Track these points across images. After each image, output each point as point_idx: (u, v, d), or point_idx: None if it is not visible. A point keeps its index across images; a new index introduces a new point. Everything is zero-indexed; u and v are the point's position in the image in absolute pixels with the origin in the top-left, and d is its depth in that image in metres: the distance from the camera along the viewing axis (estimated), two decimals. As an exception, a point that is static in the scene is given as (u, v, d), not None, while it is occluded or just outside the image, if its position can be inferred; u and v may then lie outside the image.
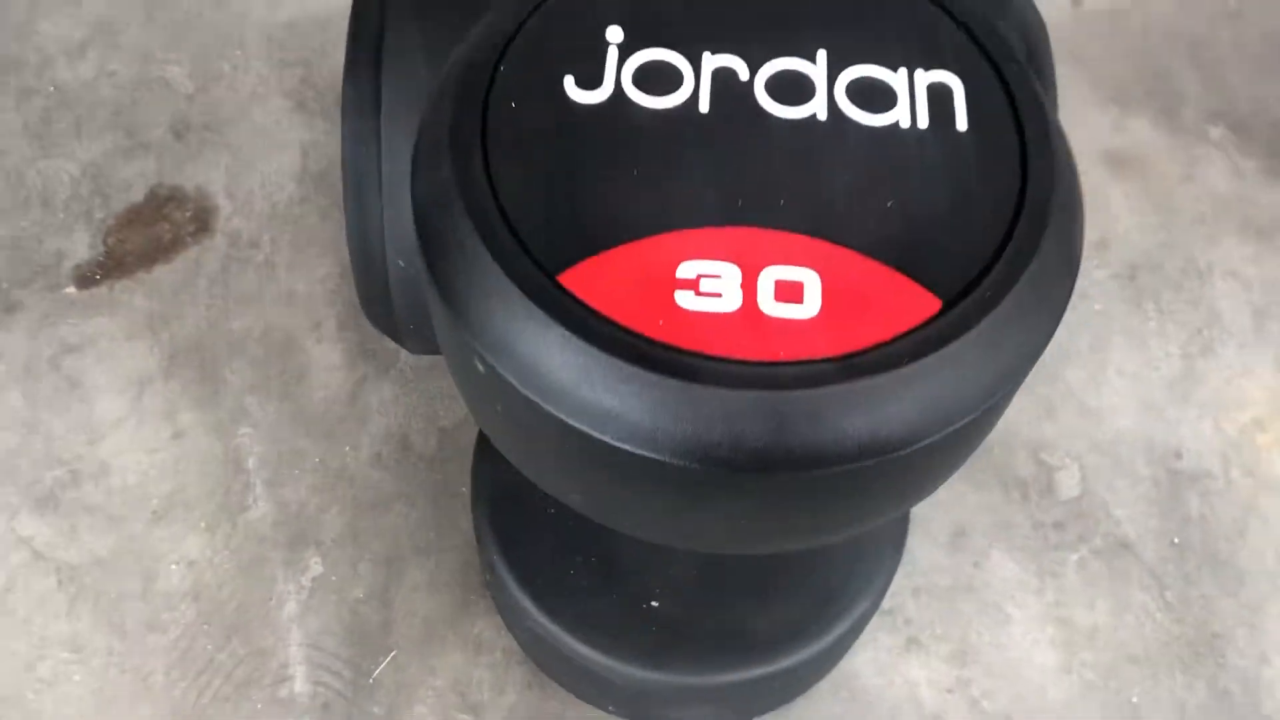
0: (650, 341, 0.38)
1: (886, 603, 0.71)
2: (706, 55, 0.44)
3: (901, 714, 0.69)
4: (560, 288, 0.38)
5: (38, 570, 0.71)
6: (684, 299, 0.38)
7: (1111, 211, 0.89)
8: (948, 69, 0.44)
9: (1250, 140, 0.94)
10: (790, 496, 0.41)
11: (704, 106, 0.43)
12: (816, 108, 0.43)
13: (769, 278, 0.39)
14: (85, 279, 0.81)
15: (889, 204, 0.41)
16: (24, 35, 0.94)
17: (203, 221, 0.85)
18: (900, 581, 0.72)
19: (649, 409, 0.37)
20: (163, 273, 0.82)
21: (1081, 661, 0.70)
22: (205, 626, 0.69)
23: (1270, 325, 0.84)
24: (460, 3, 0.51)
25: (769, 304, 0.39)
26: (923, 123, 0.43)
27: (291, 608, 0.70)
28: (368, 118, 0.58)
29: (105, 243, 0.83)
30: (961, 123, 0.43)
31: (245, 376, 0.78)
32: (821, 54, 0.44)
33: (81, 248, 0.83)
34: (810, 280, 0.39)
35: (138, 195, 0.86)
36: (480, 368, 0.40)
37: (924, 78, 0.44)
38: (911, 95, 0.44)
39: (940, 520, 0.75)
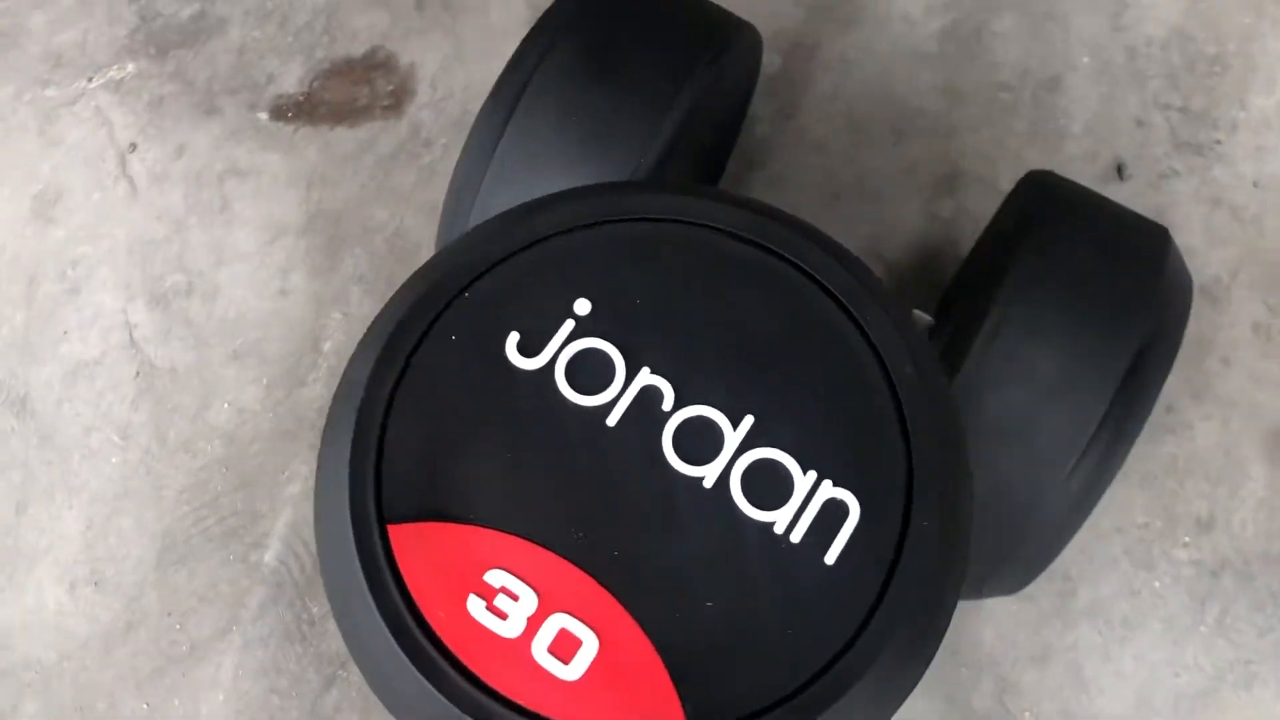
0: (433, 639, 0.41)
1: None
2: (645, 371, 0.44)
3: None
4: (384, 537, 0.42)
5: (126, 356, 0.82)
6: (475, 607, 0.41)
7: (1245, 490, 0.82)
8: (856, 490, 0.43)
9: None
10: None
11: (613, 420, 0.44)
12: (709, 473, 0.43)
13: (556, 624, 0.41)
14: (279, 111, 0.89)
15: (709, 604, 0.42)
16: None
17: (398, 100, 0.89)
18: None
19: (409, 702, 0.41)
20: (342, 134, 0.88)
21: None
22: (224, 470, 0.80)
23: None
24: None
25: (541, 648, 0.41)
26: (796, 537, 0.42)
27: (295, 488, 0.79)
28: (487, 145, 0.61)
29: (311, 84, 0.89)
30: (832, 555, 0.42)
31: (360, 265, 0.84)
32: (747, 420, 0.44)
33: (291, 80, 0.89)
34: (589, 645, 0.41)
35: (358, 49, 0.91)
36: None
37: (827, 491, 0.43)
38: (804, 503, 0.43)
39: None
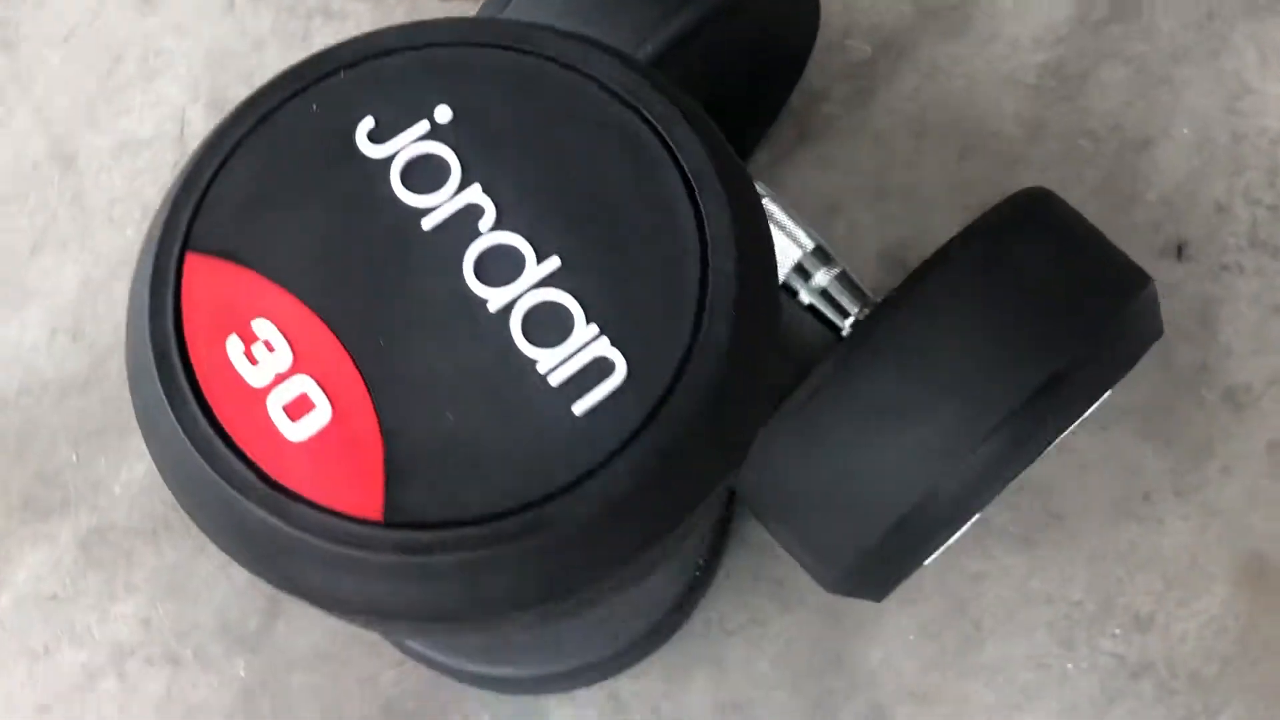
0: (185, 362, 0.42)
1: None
2: (476, 188, 0.44)
3: None
4: (180, 260, 0.43)
5: (172, 146, 0.87)
6: (233, 347, 0.42)
7: (1198, 603, 0.76)
8: (629, 356, 0.42)
9: None
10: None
11: (428, 223, 0.44)
12: (497, 298, 0.43)
13: (299, 385, 0.42)
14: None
15: (449, 415, 0.42)
16: None
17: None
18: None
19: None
20: (431, 3, 0.92)
21: None
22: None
23: None
24: None
25: (278, 403, 0.42)
26: (555, 381, 0.42)
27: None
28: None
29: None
30: (581, 407, 0.42)
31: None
32: (553, 260, 0.43)
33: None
34: (321, 414, 0.42)
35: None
36: None
37: (602, 348, 0.42)
38: (574, 353, 0.42)
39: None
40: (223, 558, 0.76)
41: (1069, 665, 0.75)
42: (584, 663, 0.66)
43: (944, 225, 0.82)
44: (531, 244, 0.44)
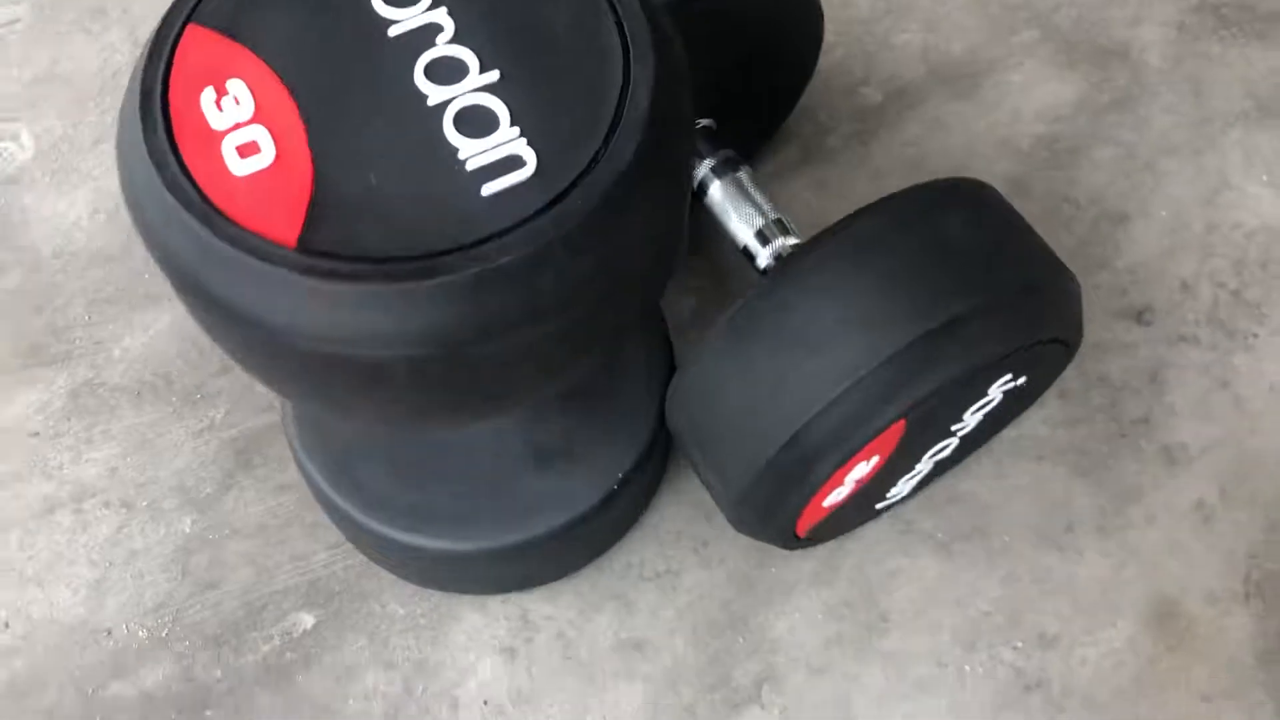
0: (164, 101, 0.49)
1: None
2: (443, 10, 0.51)
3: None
4: (182, 29, 0.50)
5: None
6: (206, 96, 0.49)
7: (1103, 635, 0.77)
8: (540, 155, 0.48)
9: None
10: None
11: (394, 31, 0.51)
12: (438, 95, 0.49)
13: (254, 133, 0.48)
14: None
15: (373, 178, 0.47)
16: None
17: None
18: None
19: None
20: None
21: None
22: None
23: None
24: None
25: (232, 144, 0.48)
26: (470, 166, 0.47)
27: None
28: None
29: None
30: (489, 190, 0.47)
31: None
32: (493, 73, 0.49)
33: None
34: (266, 156, 0.48)
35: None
36: None
37: (519, 147, 0.48)
38: (493, 147, 0.48)
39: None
40: (198, 425, 0.82)
41: (966, 668, 0.76)
42: (497, 545, 0.69)
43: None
44: (479, 58, 0.50)
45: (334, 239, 0.46)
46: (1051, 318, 0.64)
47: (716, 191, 0.76)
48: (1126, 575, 0.78)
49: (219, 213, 0.46)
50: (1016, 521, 0.80)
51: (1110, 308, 0.87)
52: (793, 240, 0.74)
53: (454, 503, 0.69)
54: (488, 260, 0.45)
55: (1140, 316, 0.87)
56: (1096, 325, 0.87)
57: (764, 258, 0.74)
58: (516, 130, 0.48)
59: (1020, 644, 0.76)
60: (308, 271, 0.45)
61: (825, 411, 0.60)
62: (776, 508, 0.65)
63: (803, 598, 0.78)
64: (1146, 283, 0.88)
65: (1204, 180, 0.92)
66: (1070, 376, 0.84)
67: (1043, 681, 0.75)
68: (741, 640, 0.77)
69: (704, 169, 0.78)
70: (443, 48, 0.50)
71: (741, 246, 0.75)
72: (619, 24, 0.50)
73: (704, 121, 0.80)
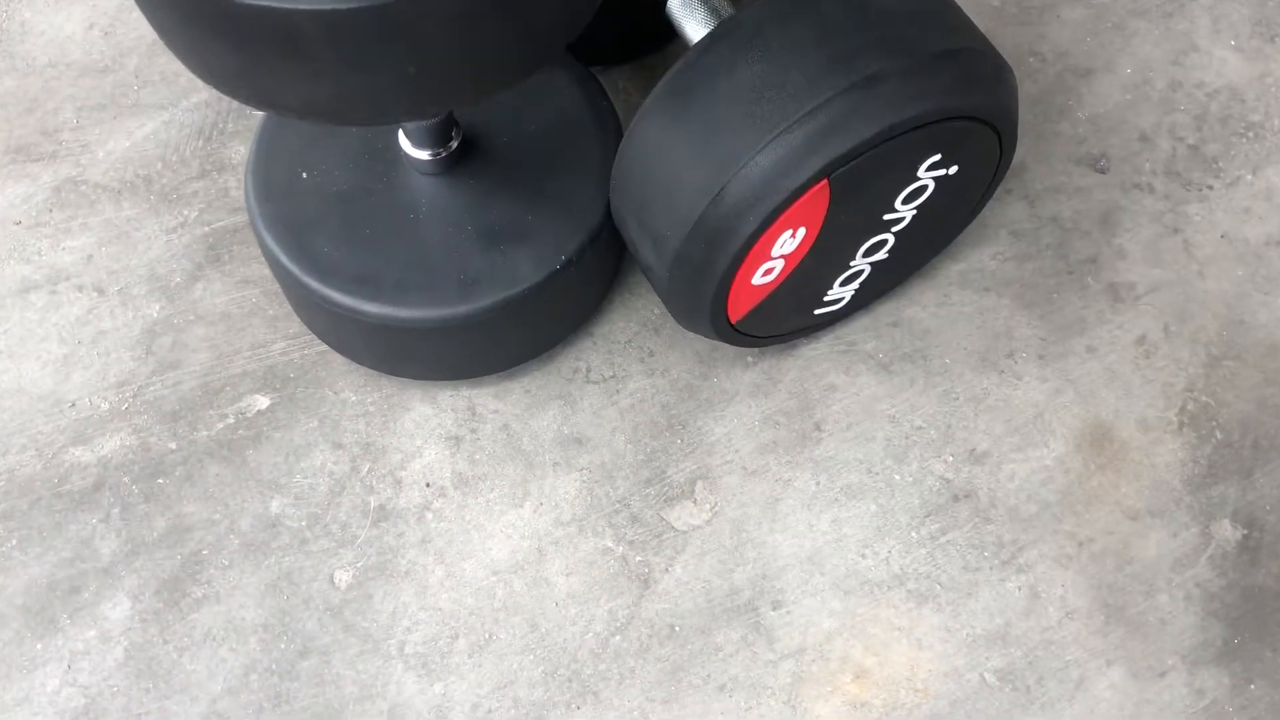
0: None
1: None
2: None
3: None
4: None
5: None
6: None
7: (1033, 453, 0.77)
8: None
9: None
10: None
11: None
12: None
13: None
14: None
15: None
16: None
17: None
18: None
19: None
20: None
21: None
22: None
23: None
24: None
25: None
26: None
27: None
28: None
29: None
30: None
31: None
32: None
33: None
34: None
35: None
36: None
37: None
38: None
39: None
40: (172, 222, 0.84)
41: (896, 477, 0.76)
42: (438, 314, 0.70)
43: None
44: None
45: None
46: (975, 92, 0.64)
47: (675, 3, 0.77)
48: (1062, 400, 0.78)
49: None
50: (958, 346, 0.80)
51: (1068, 154, 0.87)
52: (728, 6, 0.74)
53: (400, 273, 0.70)
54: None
55: (1097, 163, 0.87)
56: (1053, 170, 0.86)
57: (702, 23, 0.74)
58: None
59: (951, 458, 0.77)
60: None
61: (748, 165, 0.61)
62: (706, 272, 0.65)
63: (742, 405, 0.78)
64: (1106, 132, 0.88)
65: (1171, 42, 0.92)
66: (1021, 216, 0.84)
67: (970, 493, 0.76)
68: (679, 442, 0.77)
69: (667, -13, 0.78)
70: None
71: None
72: None
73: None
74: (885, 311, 0.81)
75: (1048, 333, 0.80)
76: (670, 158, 0.64)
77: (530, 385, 0.79)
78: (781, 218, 0.62)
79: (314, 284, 0.71)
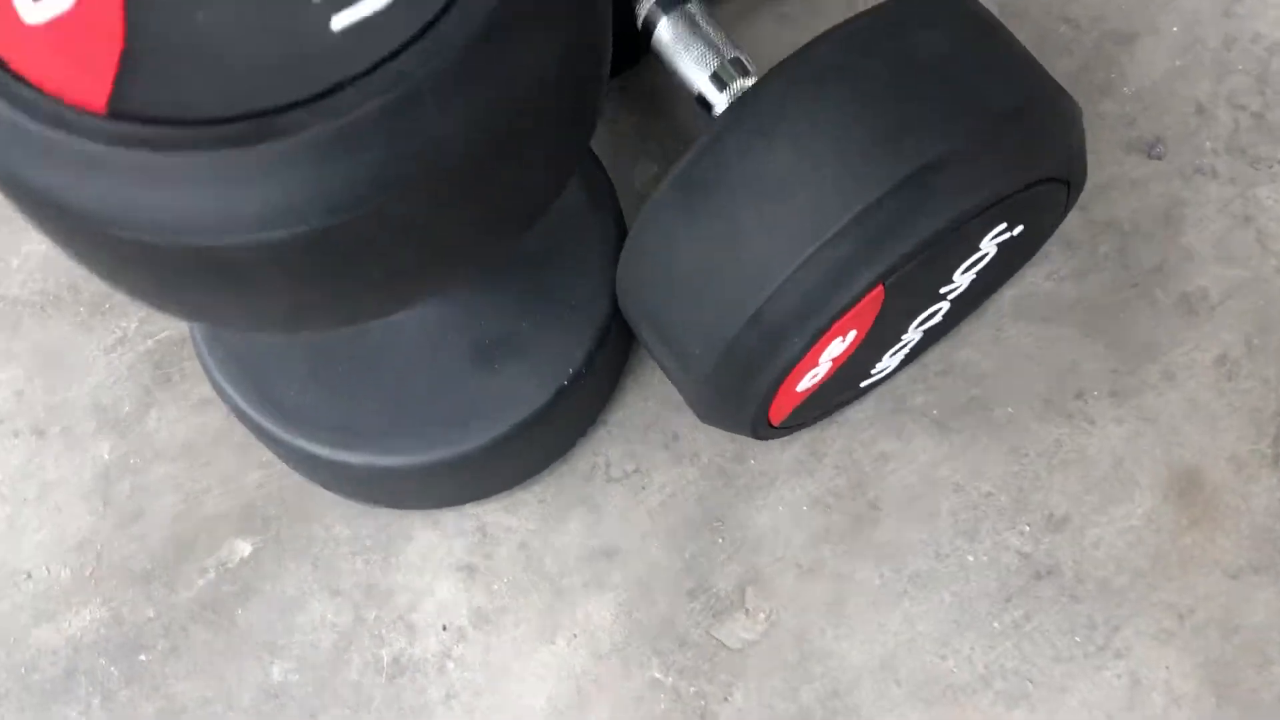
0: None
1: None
2: None
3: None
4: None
5: None
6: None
7: (1118, 510, 0.69)
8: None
9: None
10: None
11: None
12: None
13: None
14: None
15: (200, 14, 0.37)
16: None
17: None
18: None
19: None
20: None
21: None
22: None
23: None
24: None
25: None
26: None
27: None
28: None
29: None
30: (340, 22, 0.37)
31: None
32: None
33: None
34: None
35: None
36: None
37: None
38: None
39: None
40: (110, 338, 0.73)
41: (969, 557, 0.68)
42: (433, 459, 0.60)
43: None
44: None
45: (154, 98, 0.35)
46: (1047, 151, 0.54)
47: (665, 31, 0.65)
48: (1142, 444, 0.69)
49: (11, 74, 0.36)
50: (1020, 391, 0.71)
51: (1117, 140, 0.77)
52: (752, 79, 0.64)
53: (383, 414, 0.60)
54: (338, 114, 0.36)
55: (1151, 149, 0.77)
56: (1102, 161, 0.76)
57: (720, 103, 0.64)
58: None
59: (1027, 528, 0.68)
60: (121, 140, 0.35)
61: (789, 281, 0.50)
62: (743, 395, 0.56)
63: (785, 489, 0.69)
64: (1157, 110, 0.77)
65: (1220, -11, 0.81)
66: (1074, 222, 0.74)
67: (1054, 568, 0.67)
68: (721, 541, 0.69)
69: (647, 4, 0.67)
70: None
71: (696, 94, 0.65)
72: None
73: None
74: (934, 357, 0.71)
75: (1118, 362, 0.71)
76: (691, 267, 0.53)
77: (544, 493, 0.69)
78: (829, 331, 0.52)
79: (283, 435, 0.60)
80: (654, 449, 0.70)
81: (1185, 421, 0.69)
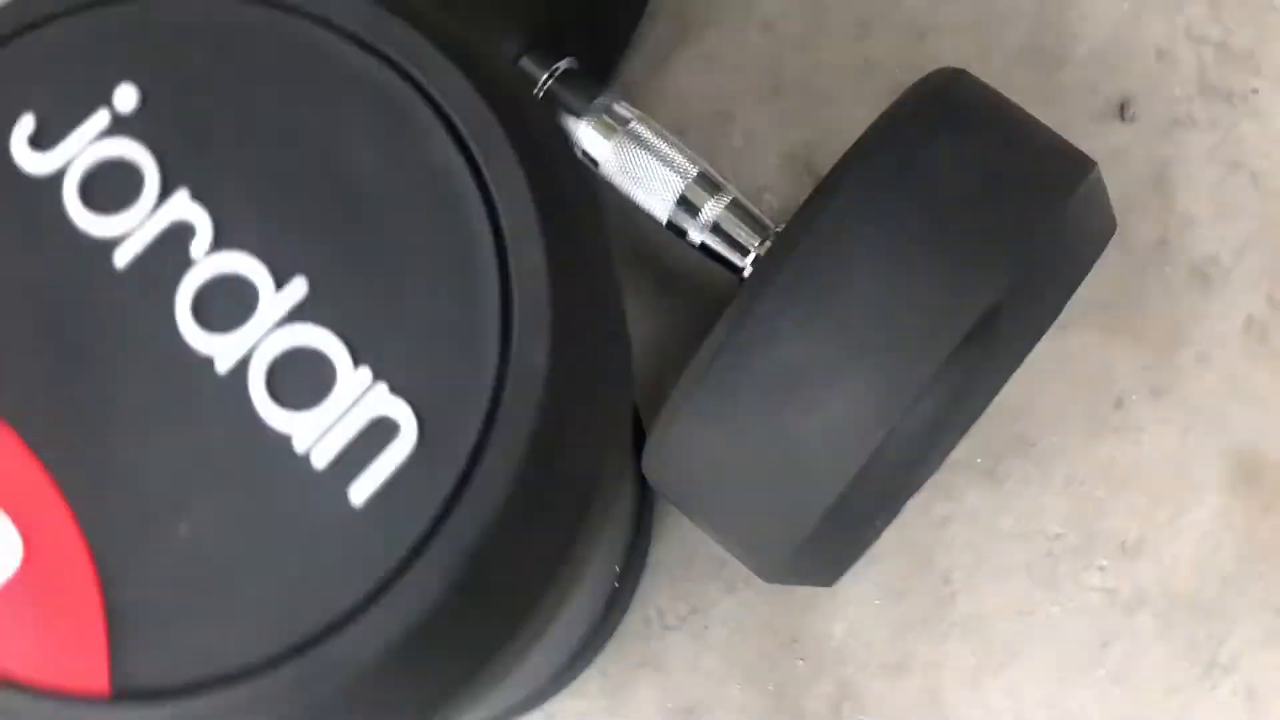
0: None
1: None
2: (184, 195, 0.32)
3: None
4: None
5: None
6: None
7: (1189, 517, 0.66)
8: (416, 404, 0.30)
9: None
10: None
11: (122, 260, 0.31)
12: (226, 351, 0.30)
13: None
14: None
15: (183, 532, 0.30)
16: None
17: None
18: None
19: None
20: None
21: None
22: None
23: None
24: None
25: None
26: (321, 461, 0.30)
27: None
28: None
29: None
30: (362, 493, 0.30)
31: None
32: (298, 284, 0.31)
33: None
34: (8, 556, 0.30)
35: None
36: None
37: (379, 399, 0.30)
38: (343, 414, 0.30)
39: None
40: None
41: (1054, 609, 0.65)
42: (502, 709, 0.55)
43: (848, 117, 0.68)
44: (266, 265, 0.30)
45: (160, 658, 0.28)
46: (1087, 240, 0.49)
47: (610, 158, 0.58)
48: (1195, 439, 0.66)
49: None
50: (1060, 413, 0.67)
51: (1085, 110, 0.71)
52: (726, 199, 0.56)
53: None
54: (400, 618, 0.28)
55: (1123, 111, 0.71)
56: (1074, 138, 0.69)
57: (696, 231, 0.57)
58: (366, 373, 0.29)
59: (1104, 563, 0.65)
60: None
61: (865, 471, 0.45)
62: (822, 571, 0.51)
63: (852, 588, 0.65)
64: (1117, 65, 0.72)
65: (1148, -87, 0.74)
66: (1067, 216, 0.69)
67: (1142, 598, 0.64)
68: (801, 663, 0.64)
69: (580, 128, 0.59)
70: (207, 263, 0.30)
71: (665, 222, 0.58)
72: (456, 137, 0.31)
73: (562, 64, 0.60)
74: (963, 404, 0.66)
75: (1149, 357, 0.67)
76: (743, 469, 0.47)
77: (603, 662, 0.64)
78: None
79: None
80: (704, 583, 0.64)
81: (1230, 401, 0.66)
